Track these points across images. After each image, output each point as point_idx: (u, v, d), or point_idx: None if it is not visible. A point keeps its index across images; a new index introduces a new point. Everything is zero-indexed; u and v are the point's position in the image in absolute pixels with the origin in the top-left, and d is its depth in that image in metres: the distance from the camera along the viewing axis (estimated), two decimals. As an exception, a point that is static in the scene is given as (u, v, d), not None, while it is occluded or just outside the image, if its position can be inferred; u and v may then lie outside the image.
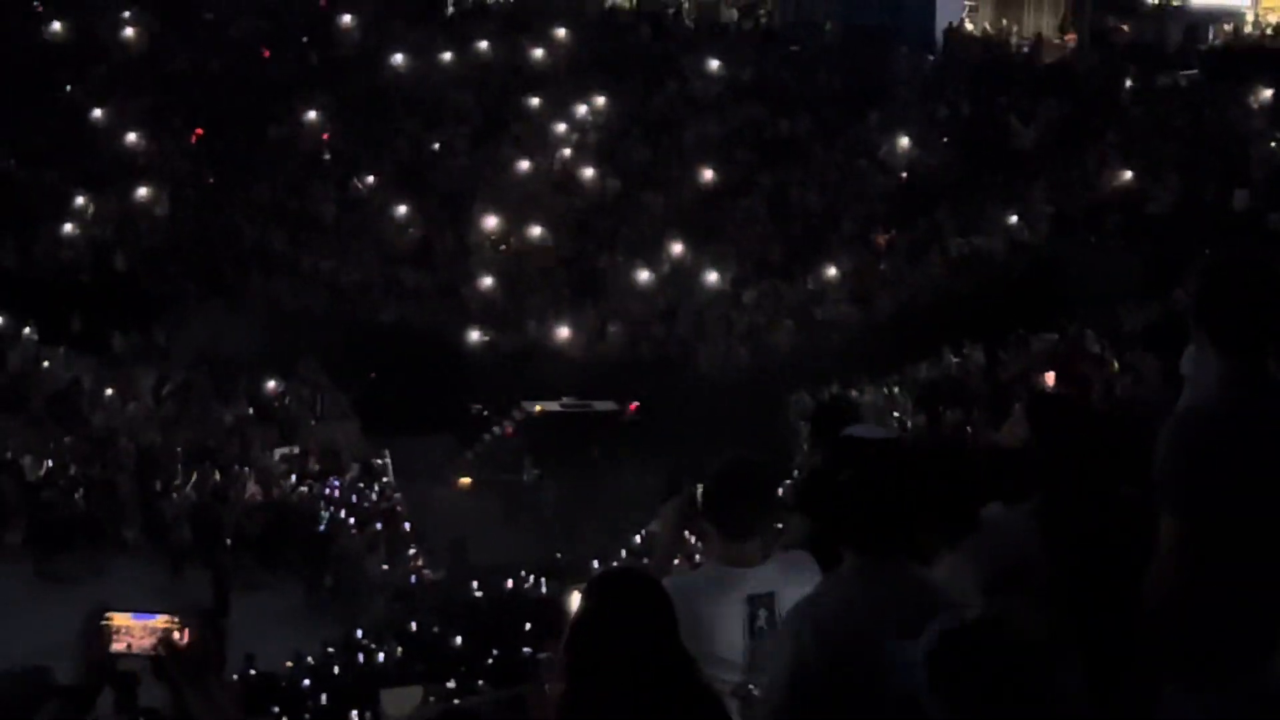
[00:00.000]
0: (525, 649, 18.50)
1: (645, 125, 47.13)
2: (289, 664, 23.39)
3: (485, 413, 37.56)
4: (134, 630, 4.39)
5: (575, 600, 5.82)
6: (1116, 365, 28.02)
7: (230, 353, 39.13)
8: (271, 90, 48.91)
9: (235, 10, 51.91)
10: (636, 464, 35.66)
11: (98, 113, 47.16)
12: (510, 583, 28.07)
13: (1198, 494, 4.85)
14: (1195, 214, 38.29)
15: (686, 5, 54.40)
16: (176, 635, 4.33)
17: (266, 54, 50.43)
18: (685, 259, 41.61)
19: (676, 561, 22.92)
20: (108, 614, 4.38)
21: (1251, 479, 4.82)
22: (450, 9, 53.38)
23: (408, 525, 32.60)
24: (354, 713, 19.71)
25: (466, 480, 36.38)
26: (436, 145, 46.97)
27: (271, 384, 37.76)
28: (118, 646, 4.39)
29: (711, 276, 40.75)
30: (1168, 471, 4.92)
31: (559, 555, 29.67)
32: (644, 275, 40.99)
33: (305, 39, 50.62)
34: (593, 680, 4.61)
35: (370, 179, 44.69)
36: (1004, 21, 52.97)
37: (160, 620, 4.38)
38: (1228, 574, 4.79)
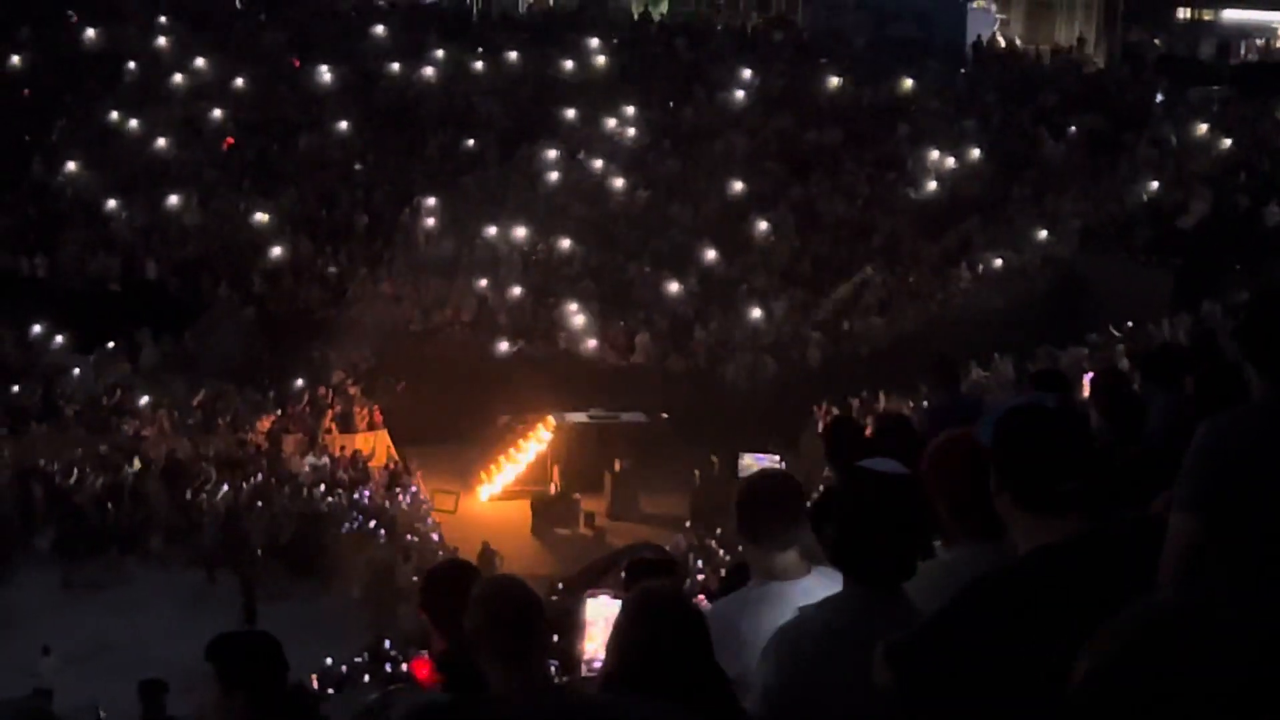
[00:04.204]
0: (552, 661, 18.50)
1: (675, 136, 47.15)
2: (315, 675, 23.41)
3: (514, 423, 37.61)
4: None
5: (590, 608, 5.82)
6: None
7: (260, 361, 39.27)
8: (302, 100, 49.12)
9: (266, 20, 52.30)
10: (664, 475, 35.76)
11: (131, 122, 47.41)
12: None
13: (1214, 490, 4.87)
14: (1226, 228, 38.17)
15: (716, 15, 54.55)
16: None
17: (297, 64, 50.62)
18: (714, 270, 41.60)
19: (702, 577, 22.75)
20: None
21: (1272, 481, 4.84)
22: (475, 18, 53.68)
23: (436, 536, 32.60)
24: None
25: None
26: (466, 156, 47.04)
27: (301, 391, 37.87)
28: None
29: (740, 288, 40.72)
30: (1186, 467, 4.96)
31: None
32: (673, 286, 40.98)
33: (336, 50, 50.76)
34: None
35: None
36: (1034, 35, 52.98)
37: None
38: (1246, 571, 4.79)
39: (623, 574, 7.79)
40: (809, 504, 6.35)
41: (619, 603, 5.95)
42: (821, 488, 7.48)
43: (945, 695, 4.46)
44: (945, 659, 4.42)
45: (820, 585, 5.87)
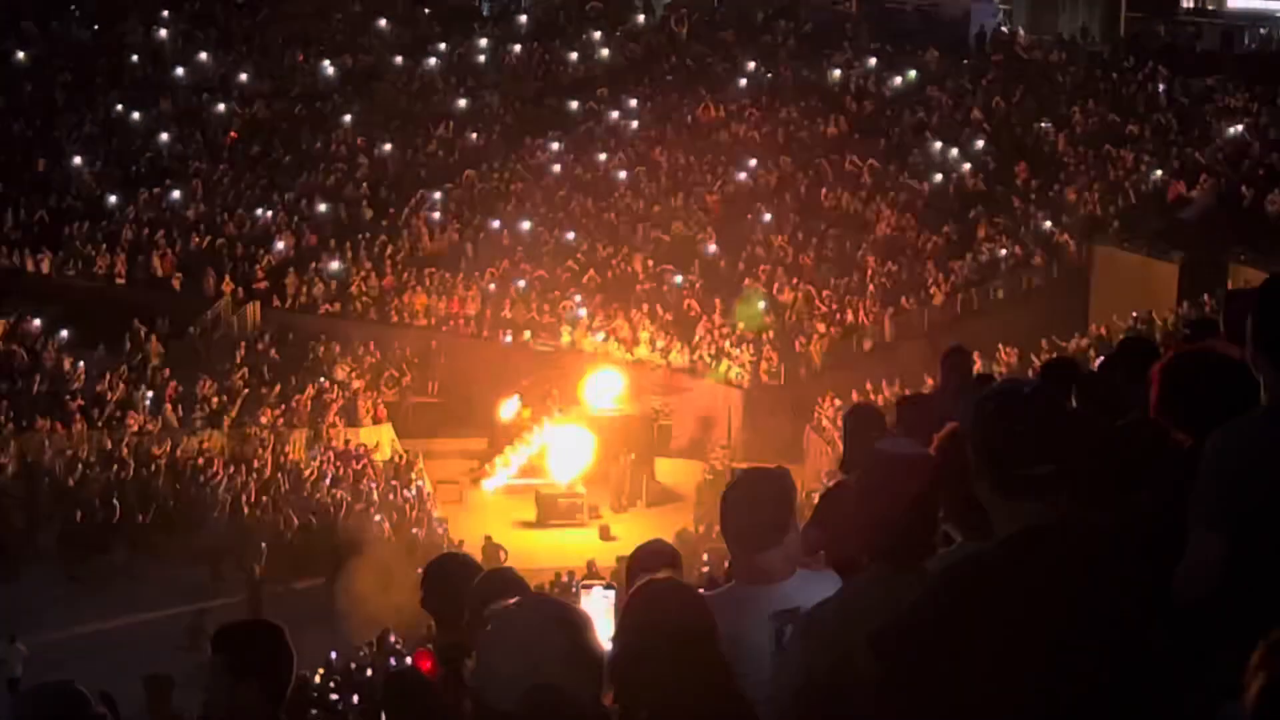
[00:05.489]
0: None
1: (679, 128, 47.10)
2: (320, 668, 23.42)
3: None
4: None
5: (584, 602, 5.77)
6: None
7: (264, 356, 39.24)
8: (306, 94, 49.14)
9: (269, 14, 52.36)
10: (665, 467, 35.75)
11: (134, 116, 47.43)
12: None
13: (1236, 507, 4.74)
14: (1230, 218, 38.07)
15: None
16: None
17: (301, 58, 50.62)
18: (718, 262, 41.56)
19: (707, 569, 22.77)
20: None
21: None
22: (479, 11, 53.68)
23: (441, 529, 32.60)
24: (383, 713, 19.67)
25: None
26: (471, 149, 47.03)
27: (305, 385, 37.84)
28: None
29: (744, 279, 40.68)
30: (1203, 483, 4.83)
31: (592, 560, 29.65)
32: (677, 278, 40.93)
33: (340, 43, 50.81)
34: (639, 692, 4.63)
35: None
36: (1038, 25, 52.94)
37: None
38: (1270, 587, 4.68)
39: (625, 570, 7.74)
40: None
41: (612, 594, 5.92)
42: (825, 483, 7.45)
43: (927, 681, 4.43)
44: (923, 645, 4.39)
45: (804, 587, 5.80)
